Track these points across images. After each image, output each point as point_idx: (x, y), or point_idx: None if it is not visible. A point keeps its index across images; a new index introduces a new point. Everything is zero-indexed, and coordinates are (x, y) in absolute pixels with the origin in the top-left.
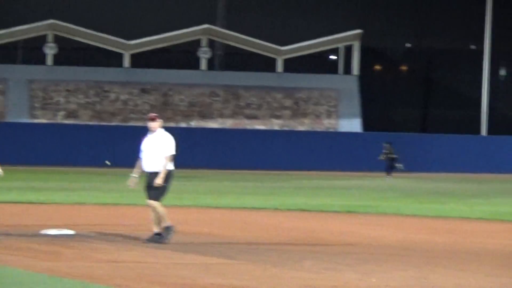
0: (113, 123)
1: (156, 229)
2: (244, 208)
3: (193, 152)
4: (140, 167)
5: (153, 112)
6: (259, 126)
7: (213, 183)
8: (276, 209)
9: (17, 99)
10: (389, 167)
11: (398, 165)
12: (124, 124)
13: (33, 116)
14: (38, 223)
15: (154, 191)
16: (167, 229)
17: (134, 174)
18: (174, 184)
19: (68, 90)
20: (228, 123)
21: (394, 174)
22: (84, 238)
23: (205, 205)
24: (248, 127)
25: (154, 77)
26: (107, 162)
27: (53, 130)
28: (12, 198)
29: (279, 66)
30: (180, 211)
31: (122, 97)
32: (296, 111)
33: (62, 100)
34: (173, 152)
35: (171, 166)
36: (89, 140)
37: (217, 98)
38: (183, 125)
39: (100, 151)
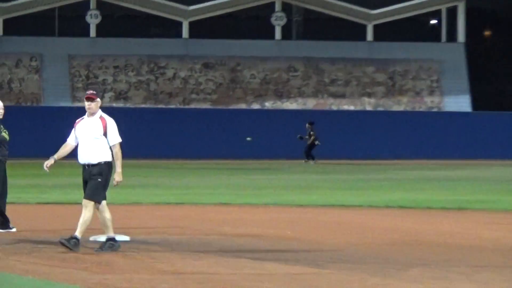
0: (171, 106)
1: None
2: (333, 206)
3: (269, 138)
4: (63, 152)
5: (217, 92)
6: (347, 106)
7: (295, 176)
8: (371, 206)
9: (55, 79)
10: (308, 151)
11: (316, 142)
12: (185, 106)
13: (75, 99)
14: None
15: (89, 188)
16: (109, 241)
17: (54, 156)
18: (249, 179)
19: (116, 67)
20: (310, 104)
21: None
22: (141, 245)
23: (287, 203)
24: (334, 107)
25: (219, 50)
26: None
27: None
28: (54, 198)
29: (369, 34)
30: (257, 211)
31: (181, 74)
32: (391, 88)
33: (109, 79)
34: (120, 139)
35: (109, 157)
36: (143, 126)
37: (296, 74)
38: (255, 106)
39: (156, 139)
